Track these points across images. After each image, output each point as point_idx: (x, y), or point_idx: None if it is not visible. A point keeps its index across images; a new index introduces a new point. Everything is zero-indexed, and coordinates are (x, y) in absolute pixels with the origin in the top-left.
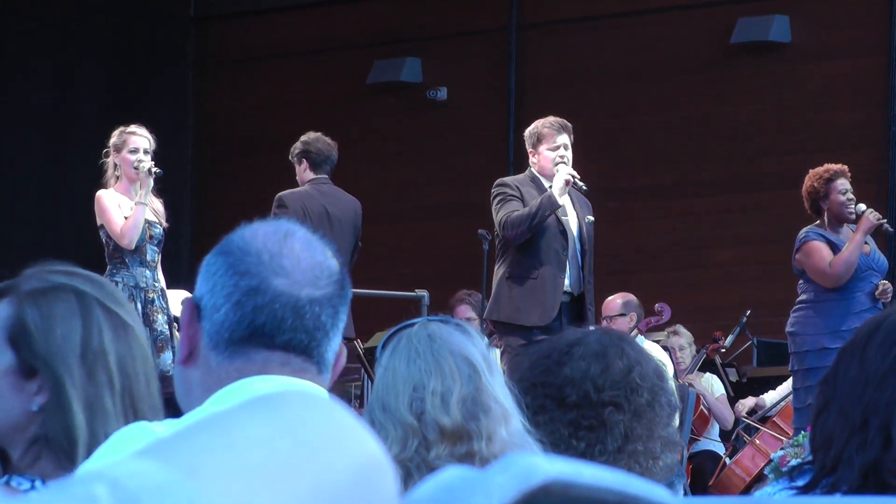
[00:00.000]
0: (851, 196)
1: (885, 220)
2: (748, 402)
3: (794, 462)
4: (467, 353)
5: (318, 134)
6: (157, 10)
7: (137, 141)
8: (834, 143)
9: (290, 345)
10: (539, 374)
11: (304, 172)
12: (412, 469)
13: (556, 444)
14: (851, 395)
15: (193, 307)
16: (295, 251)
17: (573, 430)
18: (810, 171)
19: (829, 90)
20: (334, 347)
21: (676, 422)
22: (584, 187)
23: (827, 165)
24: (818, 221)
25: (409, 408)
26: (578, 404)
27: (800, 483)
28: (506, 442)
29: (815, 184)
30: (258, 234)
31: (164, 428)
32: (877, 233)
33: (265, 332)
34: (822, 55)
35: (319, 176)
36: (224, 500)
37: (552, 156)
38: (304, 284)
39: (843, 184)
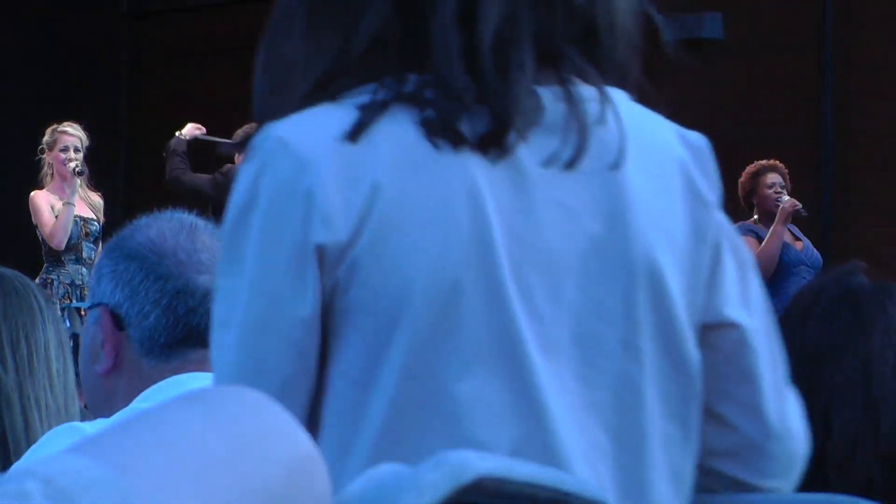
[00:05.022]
0: (780, 190)
1: (801, 206)
2: None
3: None
4: None
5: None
6: (91, 6)
7: (68, 140)
8: (767, 140)
9: None
10: None
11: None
12: None
13: None
14: (790, 371)
15: (112, 316)
16: (207, 245)
17: None
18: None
19: (761, 87)
20: None
21: None
22: None
23: (758, 161)
24: (753, 217)
25: None
26: None
27: None
28: None
29: (744, 179)
30: (165, 234)
31: (95, 427)
32: (812, 230)
33: (200, 331)
34: (755, 52)
35: None
36: (157, 497)
37: None
38: None
39: (773, 178)
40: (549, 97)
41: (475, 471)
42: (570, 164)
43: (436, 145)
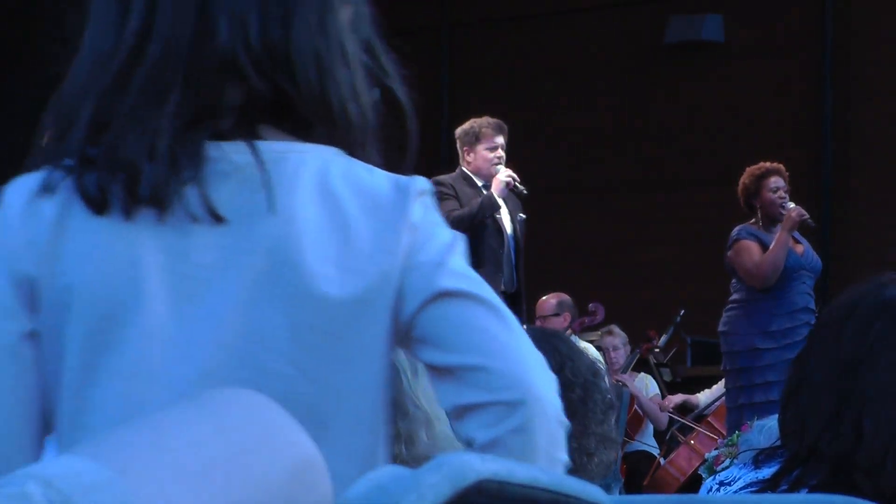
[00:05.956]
0: (784, 195)
1: (808, 216)
2: (676, 399)
3: (749, 438)
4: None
5: None
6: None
7: None
8: (766, 142)
9: None
10: None
11: None
12: None
13: None
14: (825, 380)
15: None
16: None
17: None
18: (746, 168)
19: (761, 89)
20: None
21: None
22: (525, 191)
23: (762, 163)
24: (752, 220)
25: None
26: None
27: (766, 473)
28: (427, 445)
29: (747, 181)
30: None
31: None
32: (812, 233)
33: None
34: (755, 54)
35: None
36: (157, 500)
37: (491, 156)
38: None
39: (776, 182)
40: (224, 155)
41: (476, 473)
42: (228, 211)
43: (97, 206)
